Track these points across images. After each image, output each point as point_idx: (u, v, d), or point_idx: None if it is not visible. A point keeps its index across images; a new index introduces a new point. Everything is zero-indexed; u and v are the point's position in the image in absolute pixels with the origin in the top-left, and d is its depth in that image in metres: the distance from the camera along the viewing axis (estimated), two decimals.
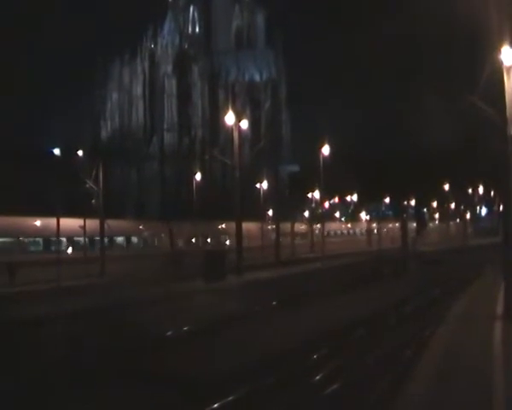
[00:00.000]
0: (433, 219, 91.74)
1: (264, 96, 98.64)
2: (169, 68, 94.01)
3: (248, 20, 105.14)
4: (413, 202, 79.95)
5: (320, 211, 53.12)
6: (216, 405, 8.11)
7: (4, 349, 12.43)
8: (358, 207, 78.64)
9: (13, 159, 54.13)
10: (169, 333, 14.39)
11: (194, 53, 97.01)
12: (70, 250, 32.52)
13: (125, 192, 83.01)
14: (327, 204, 66.76)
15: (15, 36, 77.43)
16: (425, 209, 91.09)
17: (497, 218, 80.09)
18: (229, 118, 30.69)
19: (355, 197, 76.92)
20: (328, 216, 63.54)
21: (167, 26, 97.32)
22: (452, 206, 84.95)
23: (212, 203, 57.61)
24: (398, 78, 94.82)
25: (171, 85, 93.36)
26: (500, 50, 12.41)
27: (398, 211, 79.83)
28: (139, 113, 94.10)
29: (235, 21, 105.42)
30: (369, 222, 73.58)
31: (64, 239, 31.34)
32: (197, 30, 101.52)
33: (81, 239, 32.29)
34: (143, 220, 49.50)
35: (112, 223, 34.11)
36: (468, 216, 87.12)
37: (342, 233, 63.76)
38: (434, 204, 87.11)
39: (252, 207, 45.53)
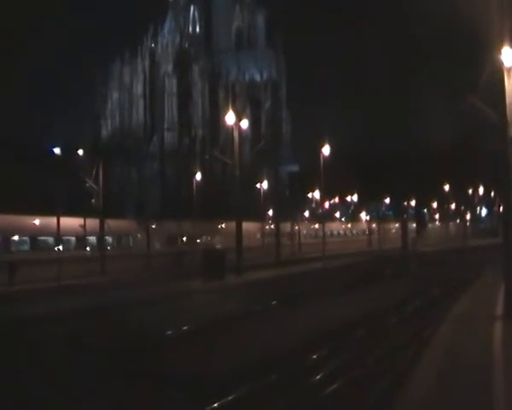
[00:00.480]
0: (434, 220, 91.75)
1: (265, 95, 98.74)
2: (169, 68, 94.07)
3: (249, 20, 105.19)
4: (413, 203, 79.95)
5: (320, 211, 53.11)
6: (216, 404, 8.12)
7: (3, 349, 12.42)
8: (358, 207, 78.65)
9: (13, 158, 54.17)
10: (169, 332, 14.43)
11: (194, 52, 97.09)
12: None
13: (125, 191, 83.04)
14: (327, 204, 66.75)
15: (15, 36, 77.44)
16: (425, 210, 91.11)
17: (497, 218, 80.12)
18: (230, 117, 30.70)
19: (355, 197, 76.93)
20: (328, 216, 63.51)
21: (168, 25, 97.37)
22: (452, 206, 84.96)
23: (212, 203, 57.57)
24: (398, 78, 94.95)
25: (171, 85, 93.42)
26: (500, 51, 12.40)
27: (398, 211, 79.89)
28: (139, 112, 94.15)
29: (236, 21, 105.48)
30: (369, 222, 73.56)
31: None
32: (197, 29, 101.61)
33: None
34: (123, 219, 46.31)
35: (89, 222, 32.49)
36: (468, 217, 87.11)
37: (339, 234, 63.42)
38: (434, 205, 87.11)
39: (252, 207, 45.56)
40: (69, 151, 40.02)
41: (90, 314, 16.90)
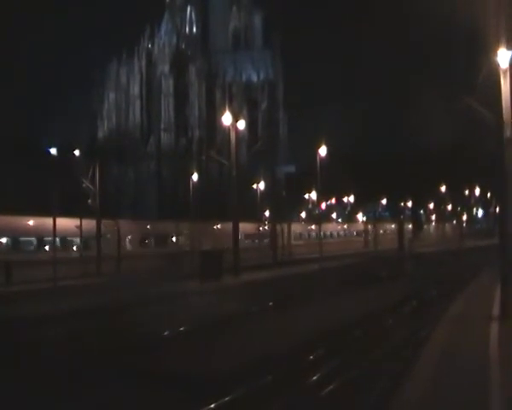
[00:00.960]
0: (430, 221, 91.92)
1: (261, 96, 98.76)
2: (166, 68, 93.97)
3: (246, 21, 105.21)
4: (410, 204, 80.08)
5: (317, 212, 53.12)
6: (214, 404, 8.14)
7: (1, 349, 12.41)
8: (355, 208, 78.73)
9: (9, 158, 54.07)
10: (166, 333, 14.44)
11: (191, 53, 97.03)
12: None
13: (121, 192, 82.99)
14: (323, 205, 66.78)
15: (15, 36, 77.42)
16: (422, 211, 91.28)
17: (494, 219, 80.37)
18: (227, 118, 30.69)
19: (352, 198, 77.00)
20: (324, 217, 63.52)
21: (164, 26, 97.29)
22: (449, 207, 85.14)
23: (208, 204, 57.56)
24: (396, 78, 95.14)
25: (168, 85, 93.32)
26: (496, 53, 12.45)
27: (394, 212, 80.00)
28: (136, 112, 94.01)
29: (233, 22, 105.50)
30: (365, 223, 73.65)
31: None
32: (194, 30, 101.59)
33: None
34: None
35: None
36: (464, 218, 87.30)
37: (332, 235, 63.22)
38: (431, 205, 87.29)
39: (248, 208, 45.53)
40: (65, 151, 39.88)
41: (88, 315, 16.90)
